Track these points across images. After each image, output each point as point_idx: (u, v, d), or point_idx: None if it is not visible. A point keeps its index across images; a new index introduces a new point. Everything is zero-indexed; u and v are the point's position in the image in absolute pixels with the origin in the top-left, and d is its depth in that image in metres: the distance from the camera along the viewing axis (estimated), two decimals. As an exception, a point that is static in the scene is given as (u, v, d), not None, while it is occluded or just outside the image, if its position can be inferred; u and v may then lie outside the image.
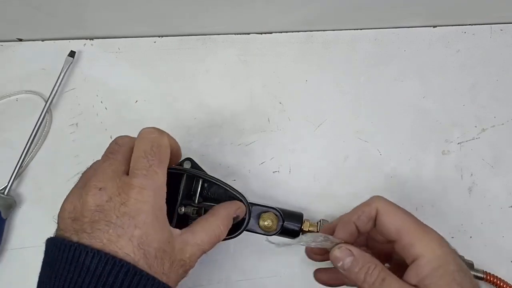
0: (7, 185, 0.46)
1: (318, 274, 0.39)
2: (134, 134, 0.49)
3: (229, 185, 0.40)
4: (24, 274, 0.46)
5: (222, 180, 0.40)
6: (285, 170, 0.47)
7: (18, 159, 0.47)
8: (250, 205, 0.40)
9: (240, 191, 0.40)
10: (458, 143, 0.48)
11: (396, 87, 0.49)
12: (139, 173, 0.30)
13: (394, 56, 0.50)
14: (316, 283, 0.43)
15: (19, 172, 0.47)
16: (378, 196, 0.35)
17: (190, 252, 0.32)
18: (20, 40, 0.52)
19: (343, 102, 0.49)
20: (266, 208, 0.41)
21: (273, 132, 0.49)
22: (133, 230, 0.28)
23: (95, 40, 0.52)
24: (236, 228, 0.40)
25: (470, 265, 0.41)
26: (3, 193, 0.46)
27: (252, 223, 0.40)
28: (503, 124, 0.48)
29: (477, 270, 0.41)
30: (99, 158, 0.49)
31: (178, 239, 0.31)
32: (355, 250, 0.33)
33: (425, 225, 0.33)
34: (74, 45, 0.51)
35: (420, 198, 0.46)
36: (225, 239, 0.38)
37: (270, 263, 0.44)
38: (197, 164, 0.42)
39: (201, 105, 0.50)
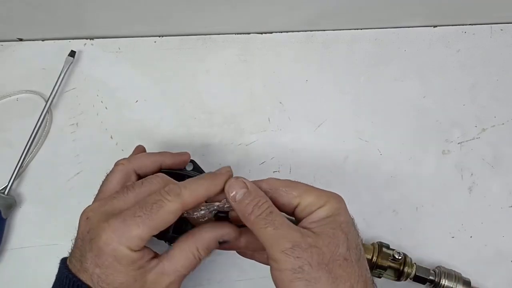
0: (7, 185, 0.46)
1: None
2: (134, 133, 0.50)
3: None
4: (24, 274, 0.46)
5: None
6: (285, 170, 0.47)
7: (18, 159, 0.47)
8: None
9: None
10: (458, 143, 0.48)
11: (396, 87, 0.49)
12: (120, 217, 0.31)
13: (394, 56, 0.50)
14: None
15: (19, 172, 0.47)
16: (271, 177, 0.35)
17: (167, 282, 0.32)
18: (20, 40, 0.52)
19: (343, 102, 0.49)
20: None
21: (273, 132, 0.49)
22: (94, 268, 0.30)
23: (95, 40, 0.52)
24: None
25: (467, 283, 0.41)
26: (3, 193, 0.46)
27: None
28: (503, 124, 0.48)
29: None
30: (99, 158, 0.49)
31: (150, 273, 0.31)
32: (249, 184, 0.33)
33: (322, 189, 0.34)
34: (75, 45, 0.51)
35: (420, 198, 0.46)
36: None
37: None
38: (200, 167, 0.42)
39: (201, 105, 0.50)
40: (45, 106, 0.48)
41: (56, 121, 0.49)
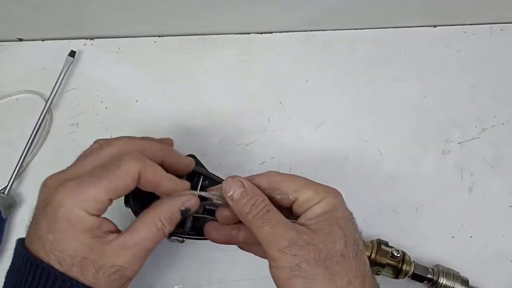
0: (7, 185, 0.46)
1: (210, 232, 0.37)
2: (134, 133, 0.49)
3: None
4: (24, 274, 0.46)
5: (223, 178, 0.40)
6: (285, 170, 0.47)
7: (18, 159, 0.47)
8: None
9: None
10: (458, 143, 0.48)
11: (396, 87, 0.49)
12: (76, 180, 0.30)
13: (394, 56, 0.50)
14: None
15: (19, 172, 0.47)
16: (270, 171, 0.35)
17: (129, 256, 0.30)
18: (20, 40, 0.52)
19: (343, 102, 0.49)
20: None
21: (273, 132, 0.49)
22: (47, 234, 0.29)
23: (95, 40, 0.52)
24: None
25: (466, 282, 0.41)
26: (3, 193, 0.46)
27: None
28: (503, 124, 0.48)
29: (472, 287, 0.41)
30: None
31: (109, 246, 0.29)
32: (246, 182, 0.33)
33: (320, 183, 0.34)
34: (75, 45, 0.51)
35: (420, 198, 0.46)
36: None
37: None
38: (200, 161, 0.43)
39: (201, 105, 0.49)
40: (45, 106, 0.48)
41: (56, 121, 0.49)
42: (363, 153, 0.48)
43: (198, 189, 0.40)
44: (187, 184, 0.35)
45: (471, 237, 0.45)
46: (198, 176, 0.40)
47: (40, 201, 0.31)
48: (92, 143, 0.48)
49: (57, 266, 0.28)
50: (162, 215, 0.32)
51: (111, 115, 0.50)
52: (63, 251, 0.28)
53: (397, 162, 0.47)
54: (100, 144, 0.34)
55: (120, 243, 0.30)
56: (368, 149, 0.48)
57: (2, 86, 0.50)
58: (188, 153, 0.43)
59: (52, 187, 0.30)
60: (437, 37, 0.51)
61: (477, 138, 0.48)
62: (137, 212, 0.37)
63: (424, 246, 0.45)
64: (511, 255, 0.45)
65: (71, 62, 0.50)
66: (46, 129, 0.49)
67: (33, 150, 0.48)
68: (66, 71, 0.49)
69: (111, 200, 0.30)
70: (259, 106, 0.49)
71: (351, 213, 0.33)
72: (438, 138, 0.48)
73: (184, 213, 0.33)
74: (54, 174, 0.32)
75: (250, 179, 0.34)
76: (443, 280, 0.41)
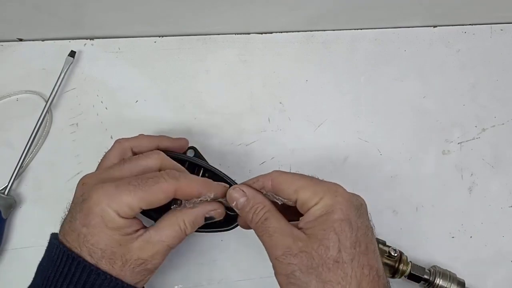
0: (7, 185, 0.46)
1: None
2: (134, 133, 0.50)
3: (229, 177, 0.40)
4: (24, 274, 0.45)
5: (223, 172, 0.40)
6: (285, 170, 0.47)
7: (18, 159, 0.47)
8: None
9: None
10: (458, 143, 0.48)
11: (396, 87, 0.49)
12: (114, 183, 0.32)
13: (394, 56, 0.50)
14: None
15: (19, 172, 0.47)
16: (275, 170, 0.36)
17: (152, 251, 0.33)
18: (20, 40, 0.52)
19: (343, 102, 0.49)
20: None
21: (273, 132, 0.49)
22: (81, 227, 0.31)
23: (95, 40, 0.52)
24: (232, 221, 0.40)
25: (462, 283, 0.41)
26: (3, 193, 0.46)
27: None
28: (503, 124, 0.48)
29: None
30: (99, 158, 0.49)
31: (136, 241, 0.32)
32: (248, 190, 0.35)
33: (323, 181, 0.34)
34: (75, 45, 0.51)
35: (420, 198, 0.46)
36: (219, 231, 0.39)
37: (270, 263, 0.44)
38: (201, 154, 0.43)
39: (201, 105, 0.50)
40: (45, 106, 0.48)
41: (56, 121, 0.49)
42: (363, 153, 0.48)
43: None
44: (222, 187, 0.36)
45: (471, 237, 0.45)
46: (198, 168, 0.41)
47: (77, 197, 0.33)
48: (93, 142, 0.49)
49: (88, 258, 0.31)
50: (187, 217, 0.34)
51: (111, 115, 0.50)
52: (95, 244, 0.31)
53: (397, 162, 0.47)
54: (138, 156, 0.36)
55: (145, 238, 0.32)
56: (368, 149, 0.48)
57: (2, 86, 0.50)
58: (189, 146, 0.43)
59: (90, 185, 0.33)
60: (437, 37, 0.51)
61: (477, 138, 0.48)
62: (151, 216, 0.38)
63: (424, 246, 0.45)
64: (511, 255, 0.45)
65: (71, 62, 0.50)
66: (46, 129, 0.49)
67: (33, 150, 0.48)
68: (66, 71, 0.49)
69: (141, 209, 0.33)
70: (259, 106, 0.49)
71: (356, 212, 0.32)
72: (438, 138, 0.48)
73: (208, 219, 0.36)
74: (92, 173, 0.35)
75: (255, 180, 0.35)
76: (439, 281, 0.41)
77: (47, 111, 0.48)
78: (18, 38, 0.52)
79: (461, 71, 0.50)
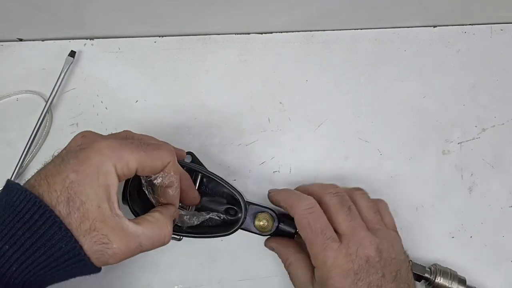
0: (7, 185, 0.46)
1: (267, 243, 0.43)
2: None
3: (227, 182, 0.40)
4: (24, 274, 0.46)
5: (221, 177, 0.40)
6: (285, 170, 0.47)
7: (18, 159, 0.47)
8: (247, 204, 0.40)
9: (238, 189, 0.40)
10: (458, 143, 0.48)
11: (396, 87, 0.49)
12: (118, 140, 0.32)
13: (394, 56, 0.50)
14: None
15: (19, 172, 0.47)
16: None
17: (122, 239, 0.30)
18: (20, 40, 0.52)
19: (343, 102, 0.49)
20: (263, 208, 0.41)
21: (273, 132, 0.49)
22: (71, 172, 0.29)
23: (95, 40, 0.52)
24: (231, 225, 0.40)
25: (463, 281, 0.41)
26: (3, 193, 0.46)
27: (248, 222, 0.40)
28: (503, 124, 0.48)
29: (469, 287, 0.41)
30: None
31: (114, 218, 0.30)
32: (274, 245, 0.41)
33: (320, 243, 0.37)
34: (75, 45, 0.51)
35: (420, 198, 0.46)
36: (218, 236, 0.39)
37: (270, 263, 0.44)
38: (198, 159, 0.43)
39: (201, 105, 0.50)
40: (45, 106, 0.48)
41: (56, 121, 0.49)
42: (363, 153, 0.48)
43: (197, 186, 0.41)
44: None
45: (471, 237, 0.45)
46: (196, 174, 0.41)
47: (73, 146, 0.32)
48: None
49: (62, 205, 0.28)
50: (169, 221, 0.34)
51: (111, 115, 0.50)
52: (78, 193, 0.29)
53: (397, 162, 0.47)
54: (141, 136, 0.37)
55: (122, 224, 0.30)
56: (368, 149, 0.48)
57: (2, 86, 0.50)
58: (187, 151, 0.43)
59: (91, 138, 0.32)
60: (437, 37, 0.51)
61: (477, 138, 0.48)
62: (134, 211, 0.38)
63: (424, 246, 0.45)
64: (511, 255, 0.45)
65: (71, 62, 0.50)
66: (46, 129, 0.49)
67: (33, 150, 0.48)
68: (66, 71, 0.49)
69: (135, 172, 0.32)
70: (259, 106, 0.49)
71: (354, 277, 0.34)
72: (438, 138, 0.48)
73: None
74: (93, 131, 0.34)
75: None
76: (440, 280, 0.41)
77: (47, 111, 0.48)
78: (18, 38, 0.52)
79: (461, 71, 0.50)
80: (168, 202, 0.36)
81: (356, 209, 0.38)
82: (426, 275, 0.41)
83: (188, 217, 0.38)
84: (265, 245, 0.42)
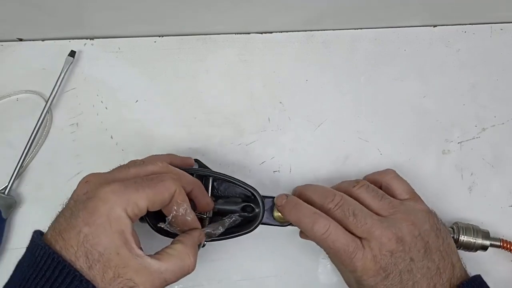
0: (7, 185, 0.46)
1: (302, 233, 0.43)
2: (134, 133, 0.50)
3: (239, 180, 0.40)
4: (24, 274, 0.46)
5: (232, 176, 0.40)
6: (285, 169, 0.47)
7: (18, 159, 0.47)
8: (263, 199, 0.40)
9: (252, 185, 0.40)
10: (458, 143, 0.48)
11: (396, 87, 0.49)
12: (121, 182, 0.31)
13: (394, 56, 0.50)
14: (317, 283, 0.44)
15: (20, 172, 0.47)
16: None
17: (147, 278, 0.30)
18: (20, 40, 0.52)
19: (343, 102, 0.49)
20: None
21: (273, 132, 0.49)
22: (83, 226, 0.30)
23: (95, 40, 0.52)
24: (250, 223, 0.40)
25: (486, 234, 0.41)
26: (3, 193, 0.46)
27: (266, 216, 0.41)
28: (503, 123, 0.48)
29: (493, 239, 0.41)
30: (99, 158, 0.49)
31: (135, 259, 0.30)
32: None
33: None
34: (75, 44, 0.51)
35: (420, 198, 0.46)
36: (240, 235, 0.39)
37: (270, 263, 0.44)
38: (204, 164, 0.43)
39: (201, 105, 0.50)
40: (45, 106, 0.48)
41: (56, 121, 0.49)
42: (363, 153, 0.48)
43: (209, 191, 0.41)
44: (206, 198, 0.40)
45: (471, 237, 0.45)
46: (206, 179, 0.41)
47: (80, 194, 0.32)
48: (93, 142, 0.49)
49: (82, 259, 0.29)
50: (191, 251, 0.33)
51: (111, 115, 0.50)
52: (94, 246, 0.29)
53: (397, 162, 0.47)
54: (143, 161, 0.36)
55: (145, 263, 0.30)
56: (368, 149, 0.48)
57: (2, 86, 0.50)
58: (194, 157, 0.43)
59: (95, 183, 0.32)
60: (437, 37, 0.51)
61: (477, 138, 0.48)
62: (152, 224, 0.38)
63: (424, 246, 0.45)
64: (511, 255, 0.45)
65: (71, 62, 0.50)
66: (46, 129, 0.49)
67: (33, 150, 0.48)
68: (66, 71, 0.49)
69: (146, 210, 0.32)
70: (259, 106, 0.49)
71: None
72: (438, 138, 0.48)
73: (199, 246, 0.36)
74: (95, 173, 0.34)
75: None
76: (464, 237, 0.40)
77: (47, 111, 0.48)
78: (18, 38, 0.52)
79: (461, 71, 0.50)
80: (191, 227, 0.35)
81: (362, 205, 0.38)
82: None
83: (213, 229, 0.38)
84: (301, 237, 0.43)
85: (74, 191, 0.33)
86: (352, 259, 0.35)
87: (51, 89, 0.48)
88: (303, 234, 0.42)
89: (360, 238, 0.36)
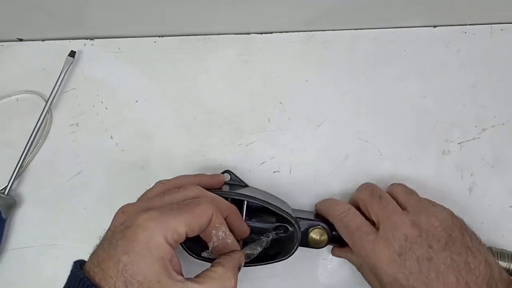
0: (7, 185, 0.46)
1: (333, 251, 0.44)
2: (134, 133, 0.50)
3: (274, 205, 0.39)
4: (24, 274, 0.46)
5: (266, 201, 0.39)
6: (285, 170, 0.47)
7: (18, 159, 0.47)
8: (298, 221, 0.40)
9: (286, 209, 0.40)
10: (458, 143, 0.48)
11: (396, 87, 0.49)
12: (158, 209, 0.31)
13: (394, 56, 0.50)
14: (317, 283, 0.44)
15: (19, 172, 0.47)
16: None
17: None
18: (20, 40, 0.52)
19: (343, 102, 0.49)
20: (313, 222, 0.41)
21: (273, 132, 0.49)
22: (122, 254, 0.29)
23: (95, 40, 0.52)
24: (284, 242, 0.40)
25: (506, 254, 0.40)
26: (3, 193, 0.46)
27: (302, 239, 0.40)
28: (503, 124, 0.48)
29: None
30: (99, 158, 0.49)
31: (177, 285, 0.29)
32: (340, 253, 0.43)
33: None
34: (75, 45, 0.51)
35: (420, 198, 0.46)
36: (279, 261, 0.39)
37: (270, 264, 0.44)
38: (237, 176, 0.44)
39: (201, 105, 0.50)
40: (45, 106, 0.48)
41: (56, 121, 0.49)
42: (363, 153, 0.48)
43: (243, 214, 0.39)
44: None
45: (471, 237, 0.45)
46: (240, 202, 0.39)
47: (117, 225, 0.31)
48: (93, 142, 0.49)
49: None
50: (232, 273, 0.33)
51: (111, 115, 0.50)
52: (134, 275, 0.28)
53: (397, 162, 0.47)
54: (173, 184, 0.37)
55: (184, 286, 0.30)
56: (368, 149, 0.48)
57: (2, 86, 0.50)
58: (223, 170, 0.44)
59: (132, 213, 0.31)
60: (437, 37, 0.51)
61: (477, 138, 0.48)
62: (189, 248, 0.38)
63: (424, 246, 0.45)
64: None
65: (71, 62, 0.50)
66: (46, 129, 0.49)
67: (33, 150, 0.48)
68: (66, 71, 0.49)
69: (186, 236, 0.31)
70: (259, 106, 0.49)
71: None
72: (438, 138, 0.48)
73: (239, 269, 0.35)
74: (131, 203, 0.34)
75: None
76: (499, 263, 0.39)
77: (47, 111, 0.48)
78: (18, 38, 0.52)
79: (461, 71, 0.50)
80: (231, 249, 0.35)
81: (392, 197, 0.39)
82: None
83: (251, 250, 0.37)
84: (333, 254, 0.44)
85: (111, 222, 0.33)
86: (363, 242, 0.35)
87: (51, 89, 0.48)
88: (335, 251, 0.43)
89: (378, 224, 0.37)
